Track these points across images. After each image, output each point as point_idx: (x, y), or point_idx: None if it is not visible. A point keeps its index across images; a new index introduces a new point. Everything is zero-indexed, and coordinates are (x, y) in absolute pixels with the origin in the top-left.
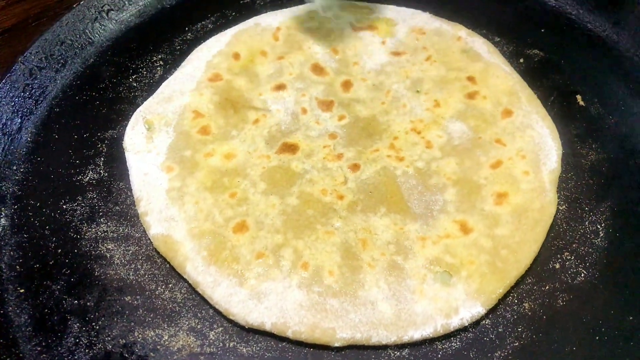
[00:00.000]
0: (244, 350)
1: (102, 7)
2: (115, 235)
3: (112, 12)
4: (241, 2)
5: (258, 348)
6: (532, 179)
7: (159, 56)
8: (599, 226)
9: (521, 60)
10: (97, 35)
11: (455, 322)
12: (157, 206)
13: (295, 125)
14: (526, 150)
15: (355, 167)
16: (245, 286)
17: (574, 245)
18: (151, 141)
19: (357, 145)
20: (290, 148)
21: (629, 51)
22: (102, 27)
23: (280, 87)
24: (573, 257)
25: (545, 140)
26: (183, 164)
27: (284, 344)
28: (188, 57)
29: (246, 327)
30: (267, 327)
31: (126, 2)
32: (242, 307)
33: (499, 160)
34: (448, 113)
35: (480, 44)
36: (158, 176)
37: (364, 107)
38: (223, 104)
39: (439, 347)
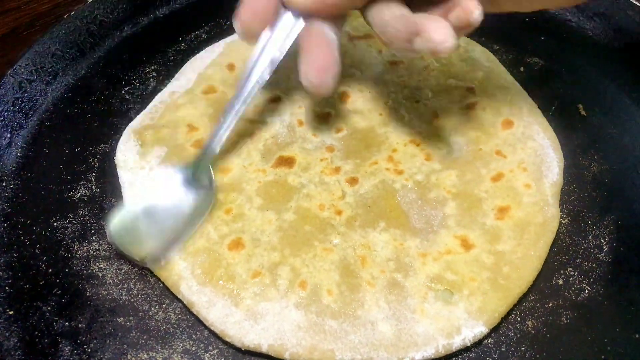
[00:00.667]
0: None
1: (93, 18)
2: (107, 253)
3: (104, 22)
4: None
5: None
6: (534, 192)
7: (152, 67)
8: (602, 240)
9: (521, 69)
10: (88, 46)
11: (457, 343)
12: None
13: (292, 138)
14: (527, 163)
15: (353, 180)
16: (241, 306)
17: (578, 261)
18: (144, 157)
19: (355, 158)
20: (287, 161)
21: (631, 60)
22: (94, 38)
23: (275, 99)
24: (577, 273)
25: (546, 152)
26: None
27: None
28: (181, 69)
29: (242, 349)
30: (264, 349)
31: (118, 13)
32: (238, 329)
33: (500, 172)
34: (448, 125)
35: (479, 53)
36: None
37: (361, 119)
38: (216, 117)
39: None
